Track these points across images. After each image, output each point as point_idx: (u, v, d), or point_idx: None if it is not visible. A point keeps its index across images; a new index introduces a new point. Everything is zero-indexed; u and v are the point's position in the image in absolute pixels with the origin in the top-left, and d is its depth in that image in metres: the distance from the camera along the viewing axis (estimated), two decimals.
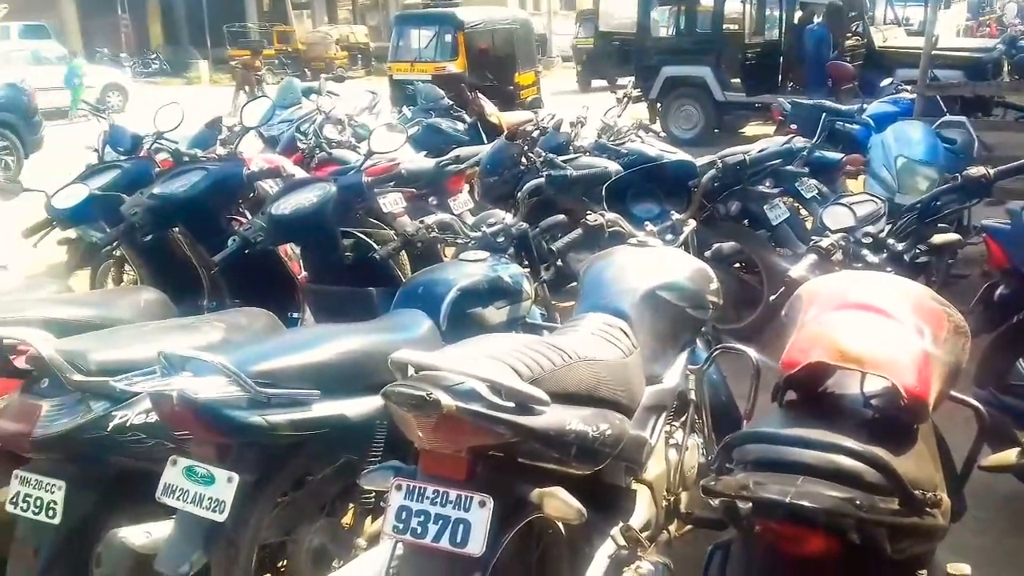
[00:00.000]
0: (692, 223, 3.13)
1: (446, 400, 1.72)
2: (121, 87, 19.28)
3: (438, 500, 1.86)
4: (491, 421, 1.78)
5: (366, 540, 2.63)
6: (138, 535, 2.50)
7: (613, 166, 4.64)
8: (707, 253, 2.96)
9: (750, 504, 1.47)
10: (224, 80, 24.10)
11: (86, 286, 5.04)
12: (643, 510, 2.46)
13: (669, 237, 2.98)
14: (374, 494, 2.58)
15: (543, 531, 2.24)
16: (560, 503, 1.94)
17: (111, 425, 2.45)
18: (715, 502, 1.57)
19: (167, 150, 4.91)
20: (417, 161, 5.63)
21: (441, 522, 1.84)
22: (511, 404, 1.81)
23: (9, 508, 2.53)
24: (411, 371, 1.86)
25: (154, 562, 2.32)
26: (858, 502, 1.48)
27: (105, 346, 2.58)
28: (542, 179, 3.54)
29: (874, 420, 1.71)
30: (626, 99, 6.91)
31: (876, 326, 1.73)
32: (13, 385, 2.58)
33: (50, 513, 2.48)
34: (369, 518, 2.69)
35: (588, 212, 2.96)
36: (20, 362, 2.52)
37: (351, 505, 2.73)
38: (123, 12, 28.00)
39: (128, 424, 2.47)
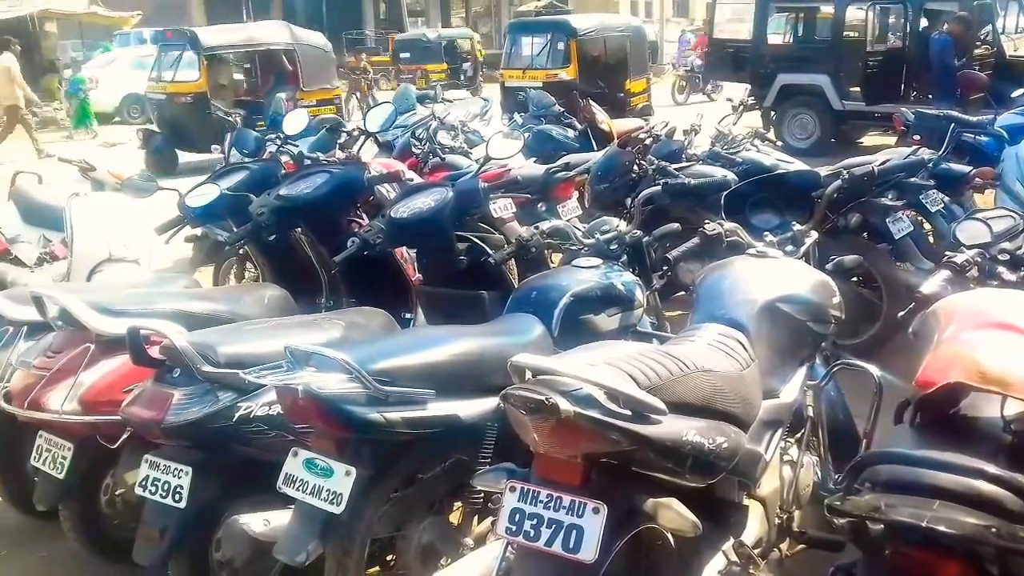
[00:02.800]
0: (814, 234, 3.04)
1: (564, 405, 1.73)
2: None
3: (551, 504, 1.86)
4: (607, 428, 1.78)
5: (474, 540, 2.68)
6: (257, 522, 2.60)
7: (728, 175, 4.57)
8: (828, 266, 2.87)
9: (881, 526, 1.42)
10: (340, 87, 24.75)
11: (210, 282, 5.27)
12: (755, 527, 2.41)
13: (789, 248, 2.91)
14: (483, 495, 2.61)
15: (652, 542, 2.22)
16: (674, 514, 1.92)
17: (236, 415, 2.55)
18: (839, 522, 1.52)
19: (289, 153, 5.10)
20: (527, 168, 5.67)
21: (554, 526, 1.85)
22: (628, 412, 1.81)
23: (138, 490, 2.67)
24: (528, 375, 1.87)
25: (273, 549, 2.40)
26: (997, 530, 1.41)
27: (233, 339, 2.69)
28: (658, 187, 3.51)
29: (1015, 445, 1.63)
30: (741, 107, 6.79)
31: (1020, 348, 1.65)
32: (146, 374, 2.72)
33: (176, 497, 2.61)
34: (476, 518, 2.73)
35: (706, 221, 2.92)
36: (154, 352, 2.67)
37: (459, 504, 2.77)
38: (249, 19, 29.12)
39: (252, 415, 2.57)
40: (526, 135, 6.63)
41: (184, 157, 12.56)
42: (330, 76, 13.57)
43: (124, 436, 2.81)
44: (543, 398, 1.73)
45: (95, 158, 5.66)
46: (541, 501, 1.88)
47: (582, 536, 1.82)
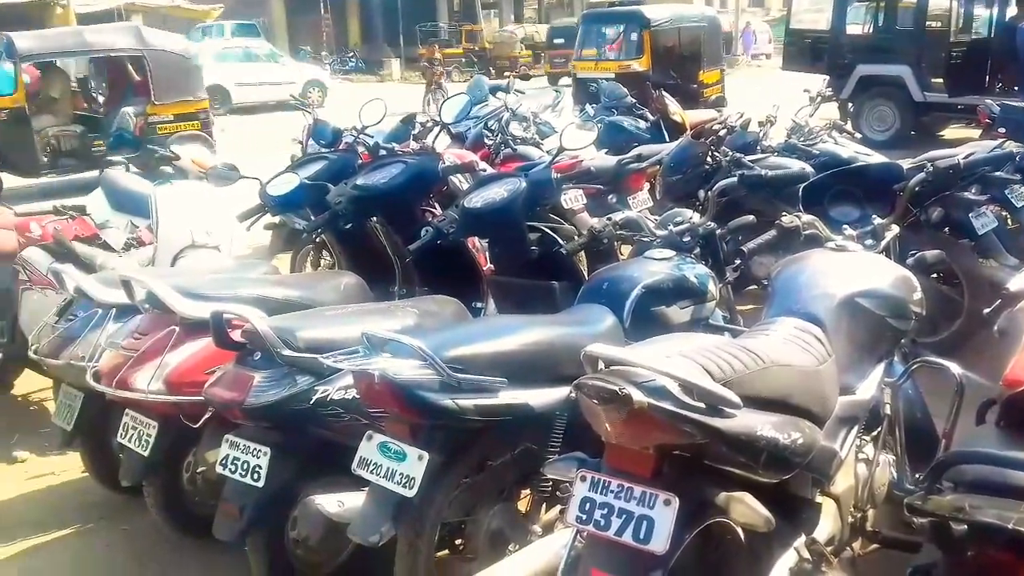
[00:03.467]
0: (895, 228, 2.97)
1: (638, 396, 1.73)
2: (321, 83, 20.42)
3: (622, 495, 1.87)
4: (681, 420, 1.77)
5: (541, 527, 2.70)
6: (332, 503, 2.66)
7: (805, 167, 4.48)
8: (909, 261, 2.81)
9: (964, 527, 1.39)
10: (413, 78, 25.05)
11: (287, 269, 5.39)
12: (828, 525, 2.38)
13: (869, 242, 2.85)
14: (552, 483, 2.63)
15: (722, 536, 2.21)
16: (747, 509, 1.91)
17: (314, 399, 2.62)
18: (919, 521, 1.49)
19: (365, 144, 5.17)
20: (598, 159, 5.65)
21: (624, 516, 1.85)
22: (702, 404, 1.80)
23: (219, 469, 2.76)
24: (601, 365, 1.88)
25: (347, 530, 2.46)
26: None
27: (311, 325, 2.76)
28: (733, 178, 3.47)
29: None
30: (818, 98, 6.65)
31: None
32: (228, 356, 2.81)
33: (255, 476, 2.69)
34: (544, 506, 2.76)
35: (783, 213, 2.88)
36: (236, 335, 2.75)
37: (527, 492, 2.80)
38: (325, 12, 29.63)
39: (329, 399, 2.64)
40: (598, 126, 6.62)
41: (9, 181, 10.16)
42: (193, 87, 10.95)
43: (206, 416, 2.90)
44: (616, 388, 1.73)
45: (179, 147, 5.82)
46: (612, 491, 1.88)
47: (653, 527, 1.82)
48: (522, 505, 2.79)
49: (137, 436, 3.04)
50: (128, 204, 4.88)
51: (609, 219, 3.19)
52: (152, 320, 3.07)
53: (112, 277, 3.45)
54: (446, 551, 2.67)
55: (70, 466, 3.99)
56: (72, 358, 3.22)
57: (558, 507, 2.72)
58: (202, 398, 2.79)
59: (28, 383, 4.91)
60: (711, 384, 1.81)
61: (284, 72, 20.27)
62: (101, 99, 12.33)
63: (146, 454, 3.03)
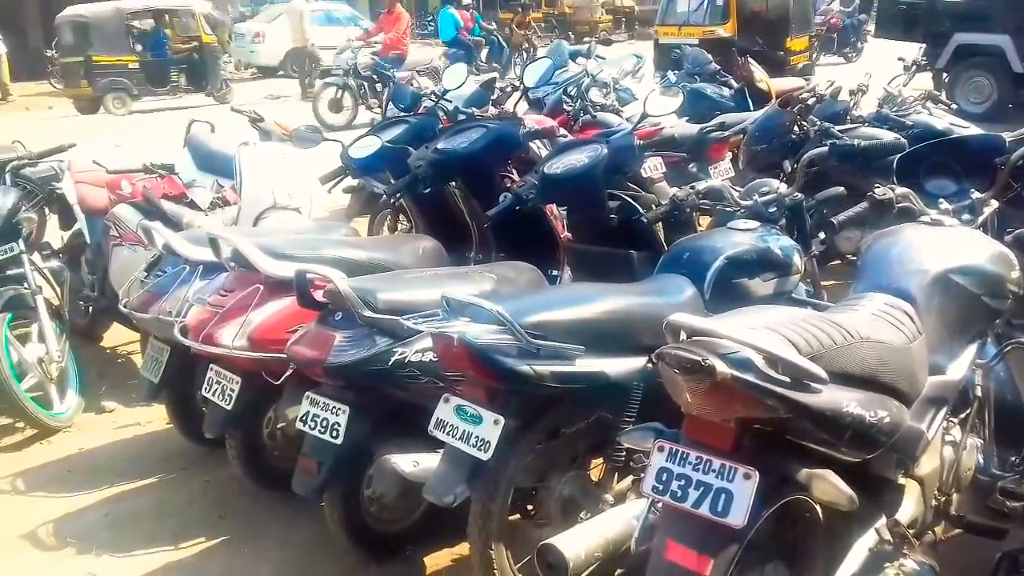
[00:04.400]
0: (994, 203, 2.84)
1: (721, 367, 1.70)
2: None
3: (700, 467, 1.85)
4: (765, 393, 1.73)
5: (613, 496, 2.69)
6: (407, 463, 2.71)
7: (899, 138, 4.30)
8: (1008, 238, 2.68)
9: None
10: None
11: (364, 233, 5.46)
12: (910, 507, 2.31)
13: (966, 217, 2.73)
14: (625, 453, 2.62)
15: (799, 513, 2.17)
16: (830, 487, 1.87)
17: (392, 360, 2.65)
18: (1013, 505, 1.43)
19: (444, 109, 5.17)
20: (680, 127, 5.55)
21: (702, 489, 1.83)
22: (787, 378, 1.76)
23: (299, 425, 2.83)
24: (683, 336, 1.85)
25: (422, 490, 2.49)
26: None
27: (391, 287, 2.79)
28: (824, 148, 3.35)
29: None
30: (913, 67, 6.39)
31: None
32: (310, 316, 2.86)
33: (334, 433, 2.74)
34: (616, 475, 2.75)
35: (876, 185, 2.77)
36: (318, 295, 2.80)
37: (599, 461, 2.79)
38: None
39: (406, 360, 2.66)
40: (682, 93, 6.47)
41: None
42: None
43: (287, 373, 2.97)
44: (700, 359, 1.70)
45: (263, 109, 5.93)
46: (690, 463, 1.86)
47: (731, 500, 1.79)
48: (594, 474, 2.79)
49: (221, 390, 3.13)
50: (212, 164, 4.99)
51: (692, 188, 3.13)
52: (237, 278, 3.14)
53: (199, 235, 3.54)
54: (518, 515, 2.69)
55: (155, 417, 4.14)
56: (160, 313, 3.32)
57: (630, 477, 2.71)
58: (284, 355, 2.85)
59: (116, 336, 5.11)
60: (797, 358, 1.76)
61: None
62: None
63: (229, 408, 3.11)
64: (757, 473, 1.79)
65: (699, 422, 1.87)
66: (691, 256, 2.82)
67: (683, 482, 1.86)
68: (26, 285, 4.16)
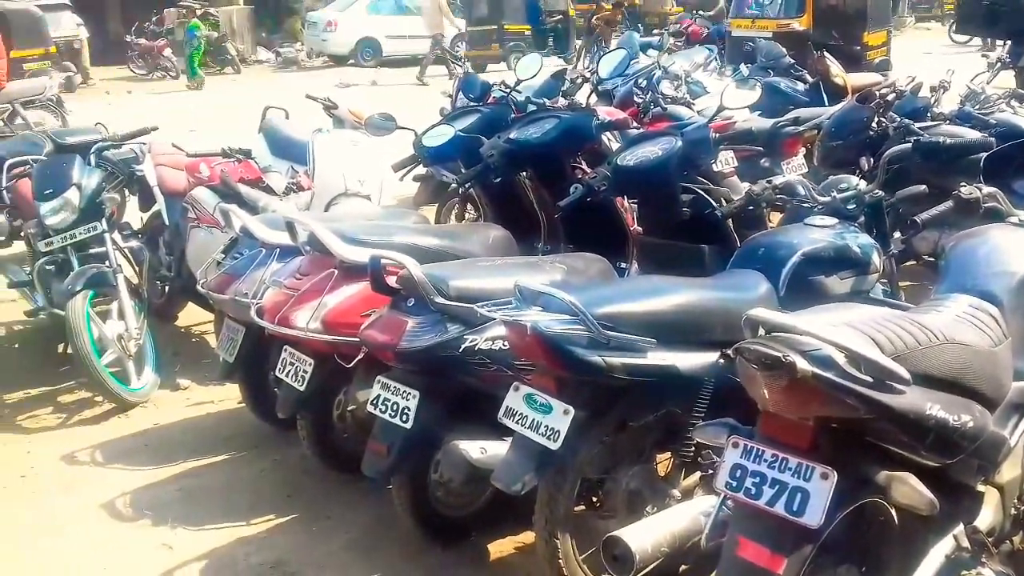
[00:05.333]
0: None
1: (802, 364, 1.68)
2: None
3: (776, 464, 1.83)
4: (846, 392, 1.71)
5: (680, 492, 2.68)
6: (475, 449, 2.73)
7: (986, 137, 4.17)
8: None
9: None
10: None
11: (431, 220, 5.50)
12: (990, 514, 2.25)
13: None
14: (694, 448, 2.61)
15: (874, 516, 2.13)
16: (911, 490, 1.84)
17: (462, 347, 2.67)
18: None
19: (513, 99, 5.18)
20: (752, 120, 5.45)
21: (778, 487, 1.81)
22: (869, 378, 1.73)
23: (369, 408, 2.87)
24: (761, 331, 1.83)
25: (490, 476, 2.51)
26: None
27: (463, 275, 2.81)
28: (907, 145, 3.27)
29: None
30: (998, 65, 6.19)
31: None
32: (382, 301, 2.90)
33: (403, 418, 2.78)
34: (683, 471, 2.73)
35: (961, 184, 2.70)
36: (391, 281, 2.83)
37: (665, 456, 2.78)
38: None
39: (476, 348, 2.68)
40: (758, 86, 6.37)
41: None
42: None
43: (359, 357, 3.01)
44: (780, 355, 1.68)
45: (336, 96, 6.01)
46: (765, 460, 1.84)
47: (807, 500, 1.77)
48: (660, 468, 2.78)
49: (294, 372, 3.19)
50: (286, 150, 5.08)
51: (769, 182, 3.08)
52: (313, 261, 3.20)
53: (275, 219, 3.61)
54: (583, 506, 2.69)
55: (227, 396, 4.24)
56: (237, 294, 3.39)
57: (698, 473, 2.69)
58: (356, 339, 2.90)
59: (190, 316, 5.24)
60: (880, 357, 1.73)
61: None
62: None
63: (301, 389, 3.18)
64: (835, 473, 1.77)
65: (776, 419, 1.85)
66: (766, 251, 2.78)
67: (758, 479, 1.84)
68: (108, 263, 4.30)
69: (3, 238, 5.61)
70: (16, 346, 5.19)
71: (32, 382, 4.52)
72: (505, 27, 18.21)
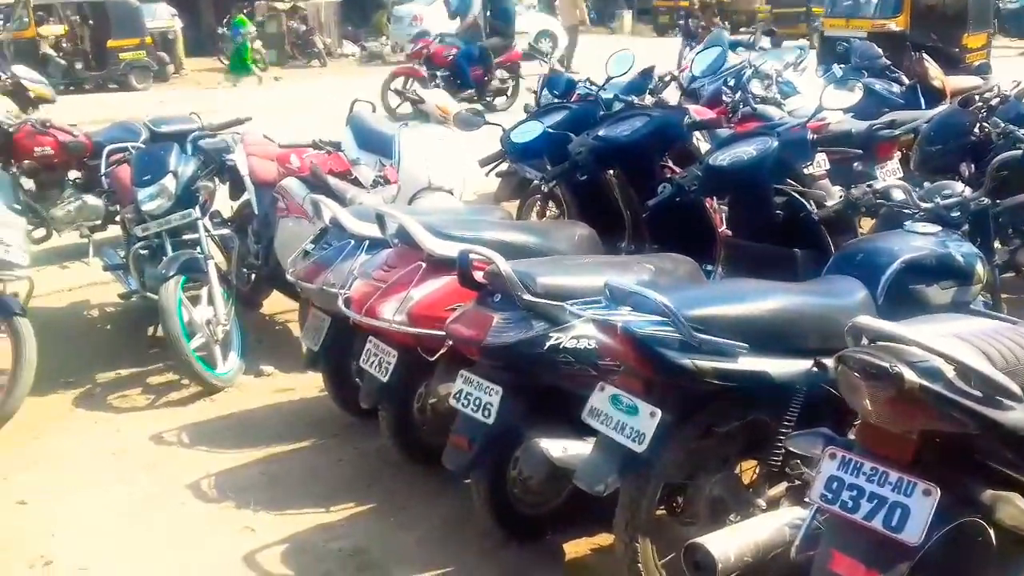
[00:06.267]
0: None
1: (909, 375, 1.62)
2: (552, 34, 20.48)
3: (876, 478, 1.77)
4: (954, 407, 1.64)
5: (766, 501, 2.61)
6: (556, 447, 2.72)
7: None
8: None
9: None
10: (645, 31, 24.61)
11: (513, 216, 5.50)
12: None
13: None
14: (781, 457, 2.54)
15: (972, 535, 2.04)
16: (1017, 511, 1.76)
17: (547, 344, 2.66)
18: None
19: (600, 98, 5.13)
20: (846, 122, 5.31)
21: (876, 501, 1.75)
22: (979, 393, 1.65)
23: (452, 402, 2.88)
24: (864, 340, 1.76)
25: (573, 476, 2.49)
26: None
27: (550, 272, 2.79)
28: (1018, 151, 3.14)
29: None
30: None
31: None
32: (468, 295, 2.90)
33: (485, 413, 2.78)
34: (769, 480, 2.66)
35: None
36: (478, 276, 2.83)
37: (750, 464, 2.71)
38: None
39: (561, 346, 2.66)
40: (857, 87, 6.20)
41: None
42: None
43: (442, 350, 3.02)
44: (887, 365, 1.62)
45: (423, 91, 6.06)
46: (864, 473, 1.79)
47: (908, 516, 1.71)
48: (745, 476, 2.72)
49: (378, 362, 3.22)
50: (372, 143, 5.13)
51: (869, 186, 2.98)
52: (400, 254, 3.22)
53: (364, 211, 3.65)
54: (664, 511, 2.65)
55: (309, 384, 4.31)
56: (325, 284, 3.44)
57: (784, 483, 2.62)
58: (441, 332, 2.91)
59: (275, 304, 5.35)
60: (992, 371, 1.66)
61: (517, 21, 20.48)
62: None
63: (384, 380, 3.20)
64: (938, 490, 1.70)
65: (877, 431, 1.79)
66: (865, 258, 2.69)
67: (855, 492, 1.78)
68: (200, 250, 4.41)
69: (100, 222, 5.85)
70: (108, 327, 5.37)
71: (123, 363, 4.66)
72: None
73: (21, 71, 8.61)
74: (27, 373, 3.89)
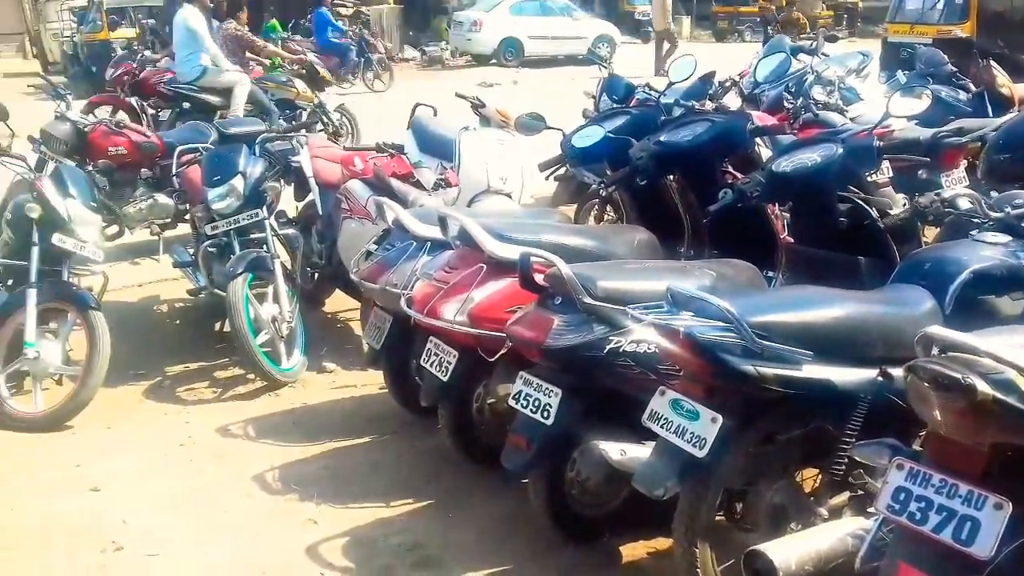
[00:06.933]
0: None
1: (982, 387, 1.60)
2: (610, 38, 20.51)
3: (945, 490, 1.75)
4: None
5: (827, 511, 2.59)
6: (615, 450, 2.74)
7: None
8: None
9: None
10: (703, 37, 24.45)
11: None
12: None
13: None
14: (844, 467, 2.52)
15: None
16: None
17: (607, 348, 2.68)
18: None
19: (654, 100, 5.12)
20: (910, 129, 5.22)
21: (945, 514, 1.74)
22: None
23: (511, 402, 2.91)
24: (935, 351, 1.75)
25: (632, 479, 2.51)
26: None
27: (611, 275, 2.81)
28: None
29: None
30: None
31: None
32: (528, 298, 2.93)
33: (544, 414, 2.81)
34: (831, 490, 2.64)
35: None
36: (538, 279, 2.86)
37: (811, 473, 2.70)
38: None
39: (621, 350, 2.68)
40: (924, 94, 6.09)
41: None
42: None
43: (502, 351, 3.06)
44: (959, 376, 1.61)
45: (483, 95, 6.11)
46: (933, 485, 1.77)
47: (978, 530, 1.69)
48: (806, 485, 2.70)
49: (438, 362, 3.27)
50: (434, 146, 5.20)
51: (937, 195, 2.94)
52: (462, 256, 3.27)
53: (426, 213, 3.71)
54: (723, 517, 2.64)
55: (369, 381, 4.39)
56: (387, 284, 3.50)
57: (847, 493, 2.60)
58: (501, 334, 2.95)
59: (336, 303, 5.45)
60: None
61: (576, 27, 20.51)
62: None
63: (444, 379, 3.25)
64: (1010, 504, 1.68)
65: (947, 443, 1.77)
66: (933, 267, 2.66)
67: (923, 504, 1.77)
68: (266, 249, 4.52)
69: (170, 220, 6.01)
70: (177, 323, 5.52)
71: (191, 357, 4.80)
72: None
73: (311, 56, 9.88)
74: (101, 364, 4.04)
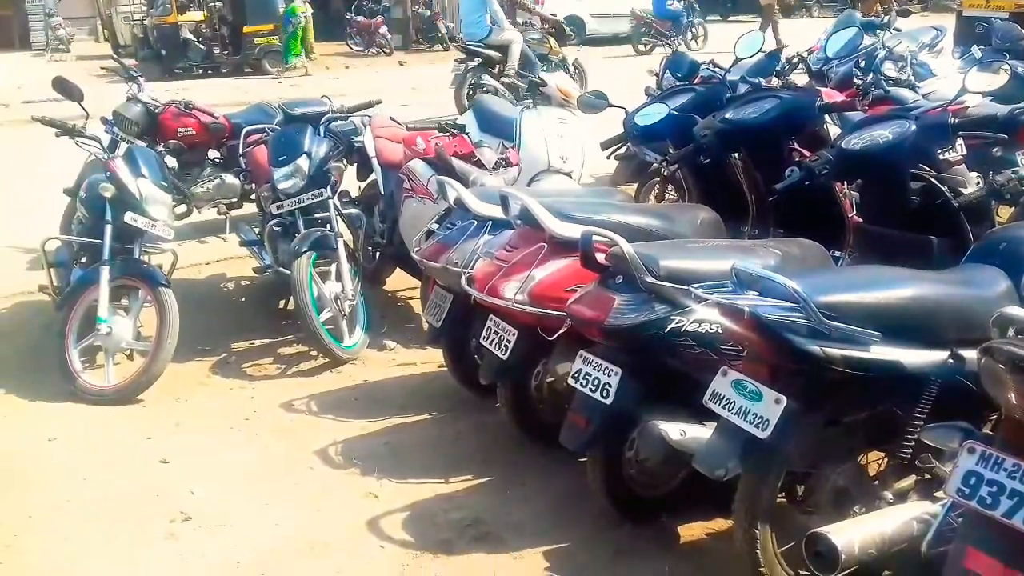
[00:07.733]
0: None
1: None
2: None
3: (1018, 475, 1.70)
4: None
5: (893, 495, 2.54)
6: (674, 430, 2.72)
7: None
8: None
9: None
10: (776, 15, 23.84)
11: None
12: None
13: None
14: (911, 450, 2.46)
15: None
16: None
17: (668, 327, 2.64)
18: None
19: (719, 77, 5.03)
20: (984, 106, 5.04)
21: (1017, 498, 1.69)
22: None
23: (570, 381, 2.90)
24: (1011, 332, 1.69)
25: (692, 459, 2.49)
26: None
27: (673, 255, 2.78)
28: None
29: None
30: None
31: None
32: (588, 277, 2.91)
33: (603, 393, 2.80)
34: (897, 473, 2.58)
35: None
36: (599, 258, 2.84)
37: (876, 455, 2.64)
38: None
39: (683, 329, 2.64)
40: (1004, 69, 5.88)
41: None
42: None
43: (561, 330, 3.05)
44: None
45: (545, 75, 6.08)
46: (1005, 469, 1.72)
47: None
48: (871, 468, 2.65)
49: (498, 340, 3.28)
50: (494, 126, 5.19)
51: (1015, 173, 2.84)
52: (523, 235, 3.27)
53: (487, 192, 3.71)
54: (784, 499, 2.61)
55: (429, 359, 4.42)
56: (448, 263, 3.52)
57: (913, 476, 2.55)
58: (561, 313, 2.94)
59: (397, 281, 5.50)
60: None
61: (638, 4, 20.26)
62: None
63: (504, 358, 3.26)
64: None
65: (1021, 426, 1.72)
66: (1009, 247, 2.58)
67: (995, 489, 1.72)
68: (330, 228, 4.57)
69: (236, 200, 6.13)
70: (243, 300, 5.63)
71: (256, 334, 4.90)
72: None
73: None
74: (171, 340, 4.15)
